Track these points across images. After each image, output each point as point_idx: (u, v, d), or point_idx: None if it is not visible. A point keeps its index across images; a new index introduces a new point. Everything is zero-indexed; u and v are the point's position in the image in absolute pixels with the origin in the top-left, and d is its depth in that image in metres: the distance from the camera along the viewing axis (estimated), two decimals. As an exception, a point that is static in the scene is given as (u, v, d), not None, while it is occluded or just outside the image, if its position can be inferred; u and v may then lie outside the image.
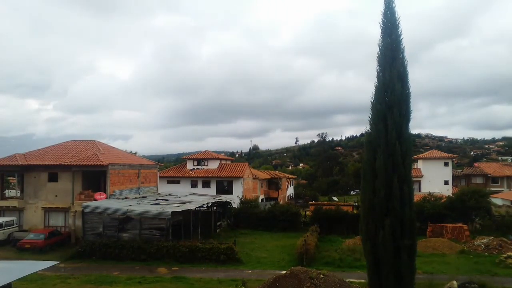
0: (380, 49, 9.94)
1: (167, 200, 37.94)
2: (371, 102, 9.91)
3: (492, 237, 33.05)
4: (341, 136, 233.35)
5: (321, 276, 17.72)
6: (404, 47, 9.83)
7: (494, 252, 30.23)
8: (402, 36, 9.70)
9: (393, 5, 9.52)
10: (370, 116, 10.08)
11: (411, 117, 9.67)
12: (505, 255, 27.97)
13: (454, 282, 19.45)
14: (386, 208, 9.41)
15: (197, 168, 57.39)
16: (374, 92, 9.96)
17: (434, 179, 63.38)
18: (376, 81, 9.92)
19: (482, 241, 32.44)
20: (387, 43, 9.75)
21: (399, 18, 9.48)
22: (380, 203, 9.47)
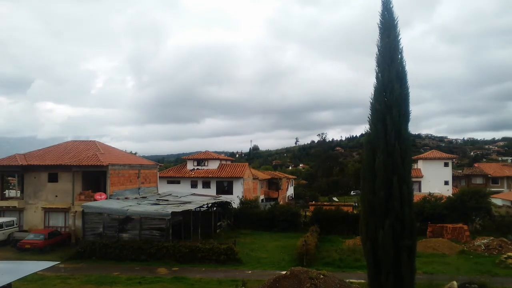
0: (378, 50, 9.97)
1: (167, 200, 37.96)
2: (370, 102, 9.94)
3: (492, 238, 33.05)
4: (341, 136, 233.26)
5: (321, 276, 17.72)
6: (402, 47, 9.86)
7: (494, 253, 30.22)
8: (400, 37, 9.75)
9: (391, 6, 9.57)
10: (369, 116, 10.10)
11: (410, 117, 9.71)
12: (505, 256, 27.97)
13: (454, 282, 19.45)
14: (386, 208, 9.41)
15: (197, 169, 57.41)
16: (373, 93, 9.99)
17: (434, 180, 63.37)
18: (375, 81, 9.95)
19: (482, 241, 32.43)
20: (386, 43, 9.77)
21: (397, 18, 9.52)
22: (379, 204, 9.48)
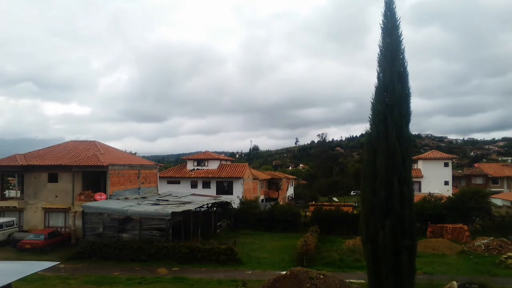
0: (380, 50, 9.97)
1: (167, 200, 37.96)
2: (371, 102, 9.94)
3: (492, 238, 33.04)
4: (341, 136, 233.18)
5: (321, 276, 17.71)
6: (404, 47, 9.86)
7: (494, 253, 30.21)
8: (402, 37, 9.74)
9: (394, 6, 9.56)
10: (370, 116, 10.09)
11: (411, 117, 9.72)
12: (505, 256, 27.97)
13: (454, 282, 19.44)
14: (386, 208, 9.41)
15: (197, 169, 57.40)
16: (374, 93, 9.99)
17: (434, 180, 63.38)
18: (376, 81, 9.95)
19: (482, 241, 32.43)
20: (387, 43, 9.77)
21: (399, 19, 9.54)
22: (380, 204, 9.47)
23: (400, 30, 9.70)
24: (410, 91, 9.70)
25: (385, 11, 9.64)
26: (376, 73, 9.83)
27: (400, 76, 9.71)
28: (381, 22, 9.62)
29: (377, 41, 10.17)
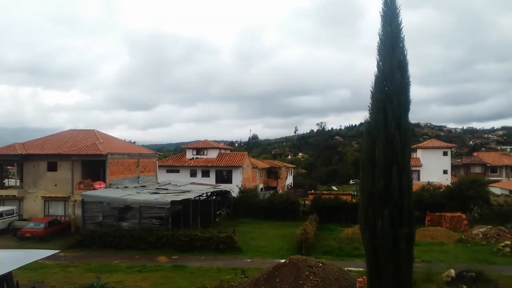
0: (380, 38, 9.91)
1: (167, 189, 38.04)
2: (371, 91, 9.90)
3: (490, 226, 33.21)
4: (340, 125, 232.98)
5: (320, 264, 17.86)
6: (404, 36, 9.79)
7: (492, 241, 30.40)
8: (402, 25, 9.68)
9: (394, -6, 9.51)
10: (369, 105, 10.07)
11: (410, 106, 9.70)
12: (503, 244, 28.16)
13: (452, 270, 19.60)
14: (385, 197, 9.44)
15: (197, 158, 57.45)
16: (373, 81, 9.94)
17: (433, 169, 63.47)
18: (376, 70, 9.90)
19: (480, 230, 32.60)
20: (387, 32, 9.71)
21: (399, 6, 9.48)
22: (379, 193, 9.50)
23: (400, 18, 9.65)
24: (410, 80, 9.70)
25: (385, -2, 9.60)
26: (376, 62, 9.80)
27: (400, 65, 9.67)
28: (380, 10, 9.57)
29: (372, 26, 10.18)
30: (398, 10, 9.42)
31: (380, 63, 9.75)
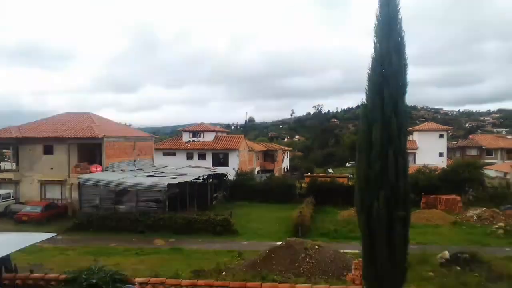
0: (377, 19, 9.76)
1: (163, 172, 38.09)
2: (368, 73, 9.80)
3: (484, 208, 33.54)
4: (337, 108, 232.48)
5: (316, 247, 18.02)
6: (401, 17, 9.65)
7: (486, 223, 30.74)
8: (399, 6, 9.54)
9: (392, -27, 9.37)
10: (366, 87, 9.98)
11: (407, 89, 9.64)
12: (497, 226, 28.53)
13: (446, 252, 19.81)
14: (381, 180, 9.42)
15: (193, 141, 57.36)
16: (370, 64, 9.83)
17: (429, 151, 63.69)
18: (373, 52, 9.77)
19: (475, 212, 32.93)
20: (385, 13, 9.57)
21: (397, -13, 9.35)
22: (375, 175, 9.47)
23: (398, -1, 9.52)
24: (407, 62, 9.63)
25: (383, -21, 9.46)
26: (373, 44, 9.69)
27: (397, 47, 9.55)
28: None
29: (366, 6, 10.04)
30: (396, -10, 9.34)
31: (377, 45, 9.63)
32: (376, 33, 9.67)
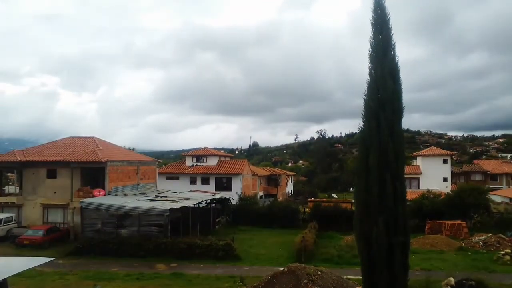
0: (371, 46, 10.00)
1: (166, 196, 38.04)
2: (364, 99, 9.96)
3: (490, 234, 33.07)
4: (341, 132, 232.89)
5: (319, 272, 17.77)
6: (395, 43, 9.87)
7: (492, 249, 30.26)
8: (392, 32, 9.78)
9: (383, 2, 9.58)
10: (362, 113, 10.13)
11: (403, 114, 9.75)
12: (503, 252, 28.05)
13: (451, 278, 19.51)
14: (379, 205, 9.45)
15: (196, 165, 57.45)
16: (366, 89, 10.00)
17: (433, 176, 63.24)
18: (368, 78, 9.97)
19: (480, 238, 32.47)
20: (378, 40, 9.80)
21: (389, 14, 9.56)
22: (373, 201, 9.52)
23: (390, 25, 9.73)
24: (402, 87, 9.79)
25: (374, 6, 9.66)
26: (368, 70, 9.88)
27: (391, 72, 9.74)
28: (371, 18, 9.66)
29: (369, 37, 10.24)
30: (388, 18, 9.52)
31: (372, 71, 9.84)
32: (371, 59, 9.91)
